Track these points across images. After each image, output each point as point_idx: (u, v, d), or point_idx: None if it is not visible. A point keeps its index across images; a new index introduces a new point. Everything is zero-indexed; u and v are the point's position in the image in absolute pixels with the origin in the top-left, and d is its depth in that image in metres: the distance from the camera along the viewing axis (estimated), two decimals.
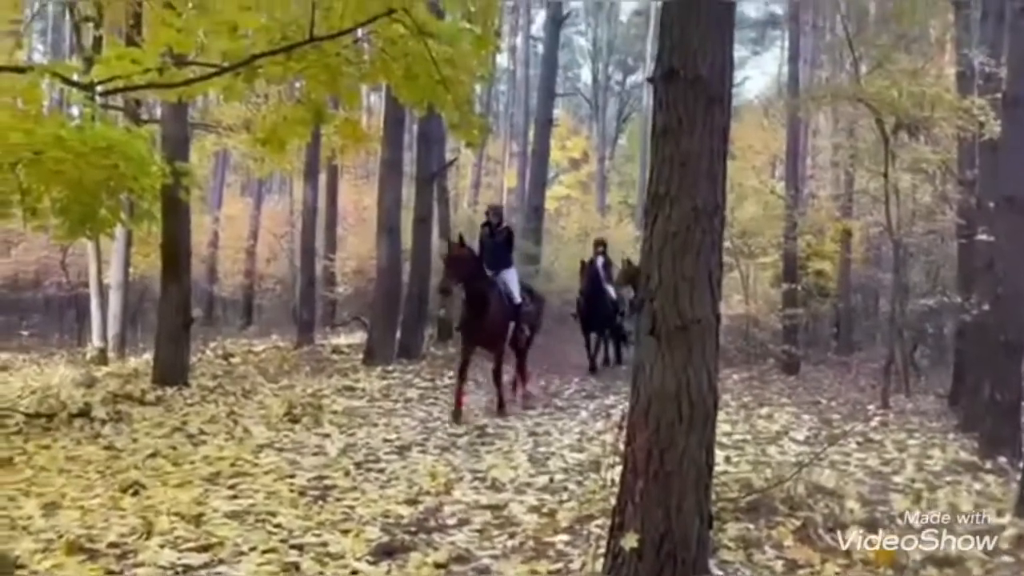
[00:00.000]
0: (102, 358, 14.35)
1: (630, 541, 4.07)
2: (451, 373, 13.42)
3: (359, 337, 16.46)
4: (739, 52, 42.97)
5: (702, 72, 3.99)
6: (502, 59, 39.38)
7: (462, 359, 10.00)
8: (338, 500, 6.26)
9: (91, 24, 14.02)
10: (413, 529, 5.58)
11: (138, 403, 9.74)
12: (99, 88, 7.57)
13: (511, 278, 10.48)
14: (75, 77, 8.13)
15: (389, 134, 13.47)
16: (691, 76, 3.98)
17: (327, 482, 6.70)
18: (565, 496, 6.33)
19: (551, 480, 6.86)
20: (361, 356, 13.71)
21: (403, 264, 14.48)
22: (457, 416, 9.50)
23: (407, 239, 14.78)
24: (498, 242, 10.47)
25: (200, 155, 26.52)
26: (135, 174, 8.33)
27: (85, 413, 8.95)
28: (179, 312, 10.80)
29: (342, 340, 17.05)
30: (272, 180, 29.96)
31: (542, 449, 8.14)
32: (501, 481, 6.85)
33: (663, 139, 4.10)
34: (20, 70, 7.35)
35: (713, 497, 5.69)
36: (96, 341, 14.88)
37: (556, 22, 20.25)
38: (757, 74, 41.56)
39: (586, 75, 42.89)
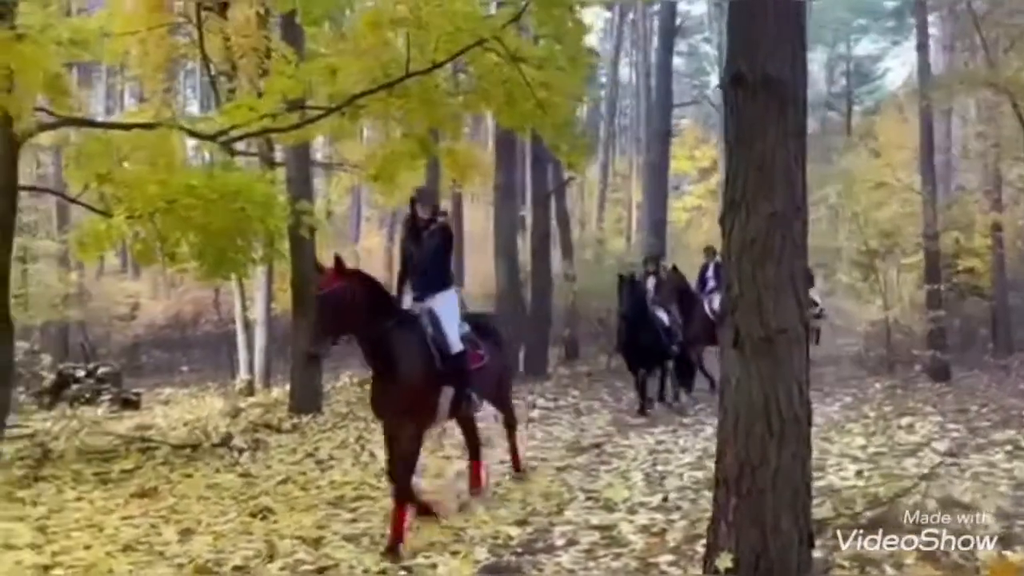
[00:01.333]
0: (249, 389, 15.22)
1: (724, 561, 3.95)
2: (576, 392, 13.48)
3: None
4: (878, 43, 41.15)
5: (771, 74, 3.87)
6: (624, 72, 39.39)
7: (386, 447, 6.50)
8: (451, 522, 6.37)
9: (224, 78, 15.05)
10: (520, 550, 5.61)
11: (275, 431, 10.26)
12: (221, 138, 8.12)
13: (446, 308, 6.46)
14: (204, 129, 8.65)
15: (501, 158, 13.69)
16: (760, 79, 3.87)
17: (440, 502, 6.82)
18: (677, 516, 6.19)
19: (665, 499, 6.72)
20: None
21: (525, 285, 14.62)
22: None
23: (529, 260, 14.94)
24: (427, 249, 6.54)
25: (338, 191, 27.98)
26: (261, 216, 8.82)
27: (226, 443, 9.51)
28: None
29: None
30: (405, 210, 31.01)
31: (660, 468, 7.99)
32: (614, 501, 6.77)
33: (736, 144, 4.00)
34: (151, 126, 8.00)
35: (833, 513, 5.48)
36: (243, 374, 15.80)
37: (668, 31, 20.03)
38: (897, 64, 39.44)
39: (715, 82, 42.07)
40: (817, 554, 4.55)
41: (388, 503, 6.83)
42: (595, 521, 6.21)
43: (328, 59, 7.61)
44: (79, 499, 7.31)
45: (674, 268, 13.26)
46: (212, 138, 8.14)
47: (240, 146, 11.69)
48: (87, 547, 5.90)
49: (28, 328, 20.10)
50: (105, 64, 17.53)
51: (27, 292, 20.43)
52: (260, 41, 13.76)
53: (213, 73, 15.43)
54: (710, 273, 13.22)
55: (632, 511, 6.46)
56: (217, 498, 7.35)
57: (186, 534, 6.26)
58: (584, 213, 33.49)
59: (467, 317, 6.87)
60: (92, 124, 9.06)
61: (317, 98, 8.27)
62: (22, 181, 12.02)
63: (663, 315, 11.75)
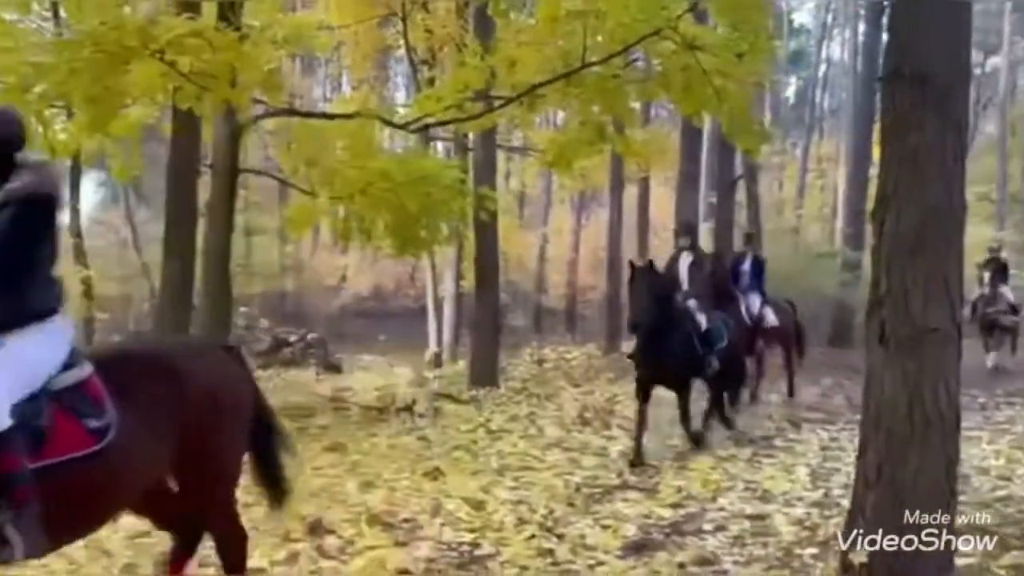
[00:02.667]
0: (437, 361, 16.16)
1: (860, 556, 3.95)
2: (753, 383, 13.20)
3: None
4: None
5: (931, 69, 3.78)
6: (835, 51, 37.38)
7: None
8: (607, 499, 6.62)
9: (425, 67, 15.95)
10: (668, 531, 5.77)
11: (454, 401, 10.93)
12: (412, 126, 8.74)
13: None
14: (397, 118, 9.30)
15: (685, 144, 13.62)
16: (919, 74, 3.79)
17: (600, 481, 7.09)
18: (835, 511, 6.09)
19: (826, 495, 6.62)
20: None
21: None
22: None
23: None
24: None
25: (530, 174, 28.70)
26: (446, 199, 9.40)
27: (409, 408, 10.26)
28: (489, 320, 11.90)
29: None
30: (602, 194, 31.31)
31: (828, 464, 7.81)
32: (772, 493, 6.75)
33: (891, 138, 3.94)
34: (351, 116, 8.74)
35: (994, 520, 5.23)
36: (433, 346, 16.76)
37: (876, 8, 18.91)
38: None
39: None
40: (971, 561, 4.41)
41: (548, 476, 7.25)
42: (749, 511, 6.23)
43: (508, 50, 7.98)
44: None
45: (715, 255, 11.07)
46: (403, 127, 8.80)
47: (439, 132, 12.48)
48: None
49: (250, 295, 22.31)
50: (322, 55, 18.89)
51: (251, 262, 22.65)
52: (458, 32, 14.44)
53: (415, 62, 16.41)
54: (745, 266, 10.91)
55: (789, 504, 6.42)
56: (396, 457, 8.01)
57: (365, 487, 6.90)
58: (782, 199, 32.29)
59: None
60: (300, 114, 10.03)
61: (500, 87, 8.69)
62: (252, 164, 13.54)
63: (699, 312, 8.39)
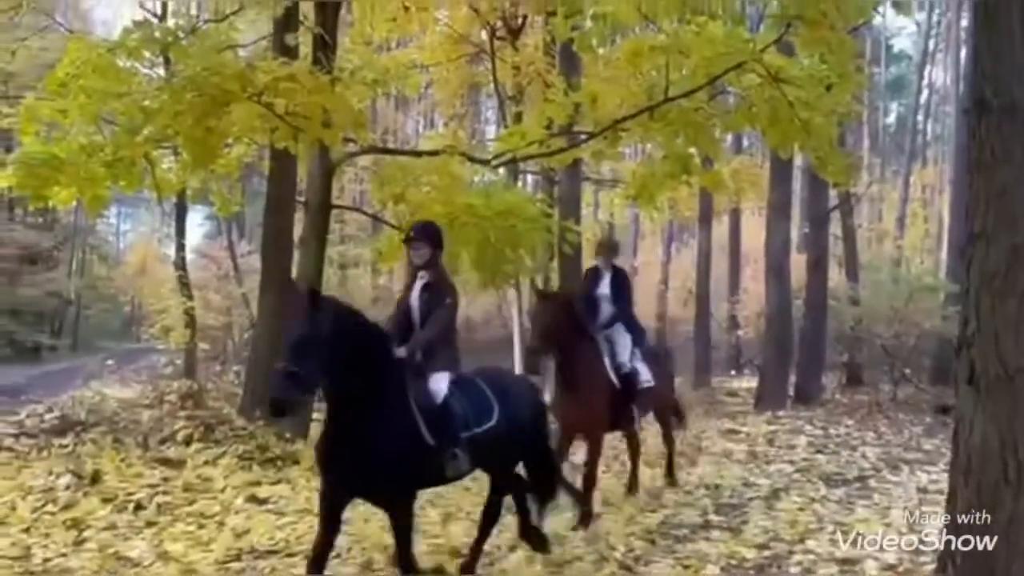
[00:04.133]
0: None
1: None
2: (850, 422, 12.77)
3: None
4: None
5: (1019, 98, 3.65)
6: (938, 77, 36.19)
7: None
8: (689, 538, 6.50)
9: (513, 102, 16.18)
10: (752, 573, 5.63)
11: None
12: (494, 162, 8.90)
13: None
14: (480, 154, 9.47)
15: (775, 174, 13.39)
16: (1006, 104, 3.67)
17: (681, 519, 6.97)
18: (930, 558, 5.80)
19: (921, 540, 6.32)
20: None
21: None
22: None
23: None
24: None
25: (617, 206, 28.68)
26: (529, 232, 9.50)
27: None
28: None
29: (741, 383, 17.05)
30: (693, 225, 31.02)
31: (926, 508, 7.46)
32: (864, 536, 6.49)
33: (978, 172, 3.81)
34: (435, 153, 8.96)
35: None
36: None
37: None
38: None
39: None
40: None
41: (631, 511, 7.16)
42: (838, 554, 6.02)
43: (591, 86, 8.05)
44: None
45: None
46: (486, 162, 8.95)
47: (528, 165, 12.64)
48: (366, 520, 6.74)
49: None
50: (412, 94, 19.43)
51: (344, 293, 23.25)
52: (545, 68, 14.64)
53: (502, 98, 16.69)
54: (602, 288, 7.59)
55: (883, 549, 6.17)
56: (478, 489, 8.03)
57: (447, 518, 6.96)
58: (883, 230, 31.26)
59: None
60: (389, 151, 10.34)
61: (584, 122, 8.76)
62: (348, 199, 13.99)
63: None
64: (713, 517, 7.10)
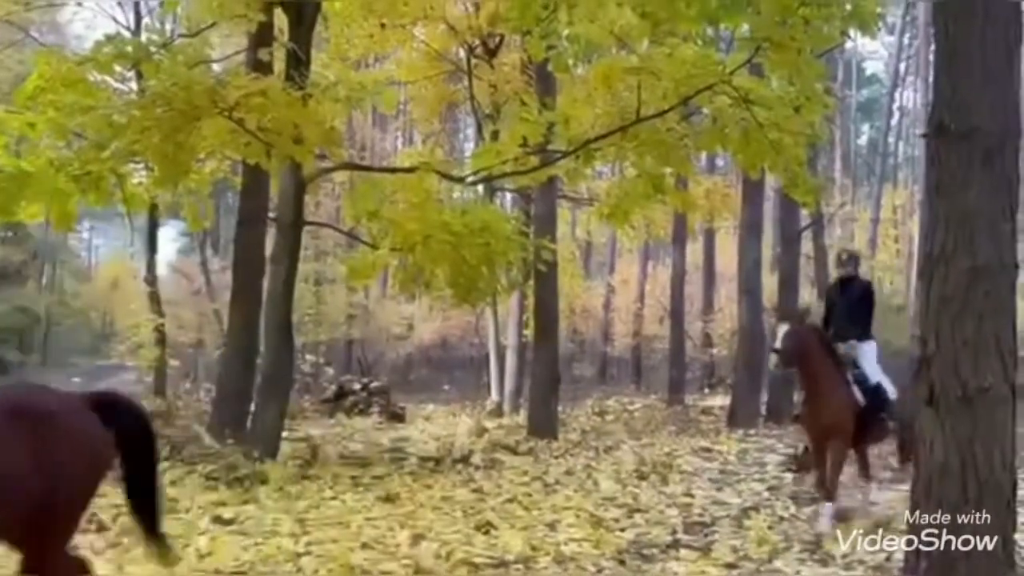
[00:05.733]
0: (498, 411, 16.14)
1: None
2: None
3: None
4: None
5: (977, 124, 3.71)
6: (910, 99, 36.79)
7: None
8: (659, 557, 6.48)
9: (490, 120, 16.25)
10: None
11: (511, 453, 10.88)
12: (469, 179, 8.92)
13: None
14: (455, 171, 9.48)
15: (746, 194, 13.52)
16: (964, 129, 3.73)
17: (651, 538, 6.95)
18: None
19: (888, 559, 6.34)
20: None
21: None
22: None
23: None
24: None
25: (594, 225, 28.80)
26: (504, 249, 9.52)
27: (466, 459, 10.25)
28: (548, 371, 11.89)
29: (714, 402, 17.12)
30: (669, 244, 31.21)
31: (898, 526, 7.48)
32: (832, 555, 6.51)
33: (937, 196, 3.87)
34: (410, 170, 8.96)
35: None
36: (494, 396, 16.78)
37: None
38: None
39: None
40: None
41: (601, 532, 7.12)
42: (805, 573, 6.03)
43: (565, 106, 8.11)
44: (334, 498, 8.25)
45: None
46: (460, 180, 8.98)
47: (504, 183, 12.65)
48: (334, 541, 6.68)
49: (317, 343, 22.75)
50: (388, 111, 19.44)
51: (318, 311, 23.14)
52: (521, 87, 14.72)
53: (479, 116, 16.77)
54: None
55: (849, 567, 6.19)
56: (449, 509, 7.99)
57: (417, 539, 6.89)
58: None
59: None
60: (362, 168, 10.33)
61: (558, 141, 8.81)
62: (324, 215, 13.91)
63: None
64: (683, 536, 7.09)
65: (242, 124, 7.47)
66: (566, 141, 8.45)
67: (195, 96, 7.06)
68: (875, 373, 7.51)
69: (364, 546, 6.57)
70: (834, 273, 9.03)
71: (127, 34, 13.26)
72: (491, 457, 10.46)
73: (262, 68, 8.83)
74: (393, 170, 9.78)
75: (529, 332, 18.25)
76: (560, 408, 13.27)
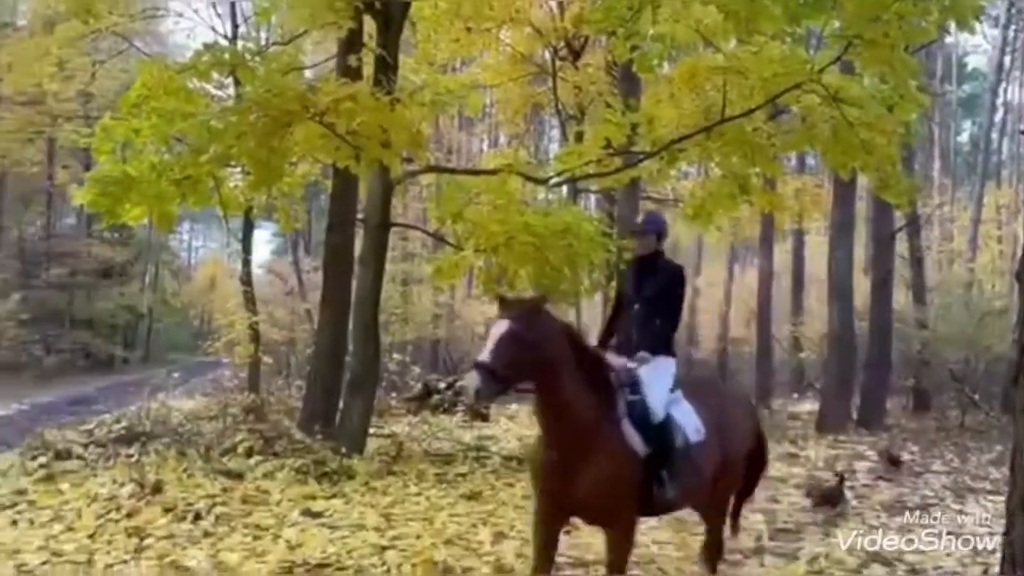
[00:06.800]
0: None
1: None
2: (915, 448, 12.38)
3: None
4: None
5: None
6: (1015, 94, 35.07)
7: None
8: (743, 562, 6.40)
9: (574, 121, 16.26)
10: None
11: None
12: (552, 181, 8.95)
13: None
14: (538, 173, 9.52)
15: (838, 194, 13.14)
16: None
17: (734, 543, 6.84)
18: None
19: (985, 572, 6.12)
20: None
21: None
22: None
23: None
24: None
25: (679, 227, 28.48)
26: (587, 251, 9.52)
27: None
28: None
29: (803, 407, 16.69)
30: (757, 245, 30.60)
31: (997, 539, 7.19)
32: (923, 566, 6.32)
33: None
34: (494, 172, 9.05)
35: None
36: None
37: None
38: None
39: None
40: None
41: (681, 536, 7.05)
42: None
43: (648, 106, 8.06)
44: (419, 494, 8.41)
45: None
46: (543, 181, 9.01)
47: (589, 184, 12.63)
48: (418, 536, 6.83)
49: (404, 343, 23.14)
50: (473, 114, 19.66)
51: (405, 311, 23.54)
52: (605, 88, 14.68)
53: (564, 118, 16.81)
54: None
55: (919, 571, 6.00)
56: (531, 507, 8.03)
57: (498, 537, 6.97)
58: (952, 252, 30.31)
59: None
60: (446, 170, 10.48)
61: (642, 142, 8.76)
62: (412, 217, 14.12)
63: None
64: (767, 542, 6.98)
65: (332, 128, 7.68)
66: (650, 142, 8.40)
67: (288, 101, 7.30)
68: (660, 403, 4.72)
69: (447, 542, 6.69)
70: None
71: (224, 43, 13.76)
72: None
73: (351, 73, 9.07)
74: (477, 172, 9.89)
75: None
76: None
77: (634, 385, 4.68)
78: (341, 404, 9.93)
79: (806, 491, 8.56)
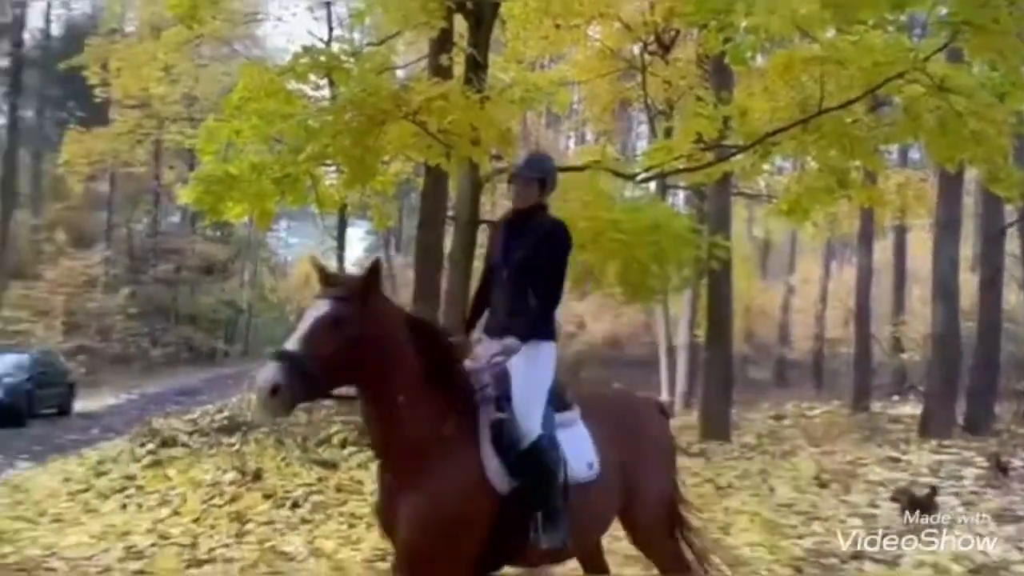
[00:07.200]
0: (669, 411, 15.91)
1: None
2: None
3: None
4: None
5: None
6: None
7: None
8: (839, 568, 6.22)
9: (663, 116, 16.06)
10: None
11: (683, 453, 10.67)
12: (640, 177, 8.87)
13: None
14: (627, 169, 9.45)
15: (943, 188, 12.59)
16: None
17: (830, 547, 6.66)
18: None
19: None
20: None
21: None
22: None
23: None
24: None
25: (772, 222, 27.78)
26: (675, 247, 9.42)
27: None
28: (721, 371, 11.61)
29: (904, 410, 16.08)
30: (854, 241, 29.62)
31: None
32: None
33: None
34: (581, 168, 9.02)
35: None
36: (664, 395, 16.59)
37: None
38: None
39: None
40: None
41: (776, 540, 6.90)
42: None
43: (741, 99, 7.90)
44: None
45: None
46: (631, 177, 8.94)
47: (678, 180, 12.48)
48: None
49: None
50: (560, 111, 19.63)
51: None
52: (696, 82, 14.45)
53: (652, 113, 16.61)
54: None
55: None
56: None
57: None
58: None
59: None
60: None
61: (734, 136, 8.60)
62: (496, 216, 14.17)
63: None
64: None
65: (424, 127, 7.79)
66: (742, 135, 8.23)
67: (381, 101, 7.44)
68: (535, 418, 3.58)
69: None
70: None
71: (321, 45, 14.14)
72: None
73: (443, 73, 9.18)
74: (564, 169, 9.80)
75: (701, 332, 17.97)
76: (733, 411, 12.93)
77: (501, 397, 3.55)
78: None
79: (892, 495, 8.23)
